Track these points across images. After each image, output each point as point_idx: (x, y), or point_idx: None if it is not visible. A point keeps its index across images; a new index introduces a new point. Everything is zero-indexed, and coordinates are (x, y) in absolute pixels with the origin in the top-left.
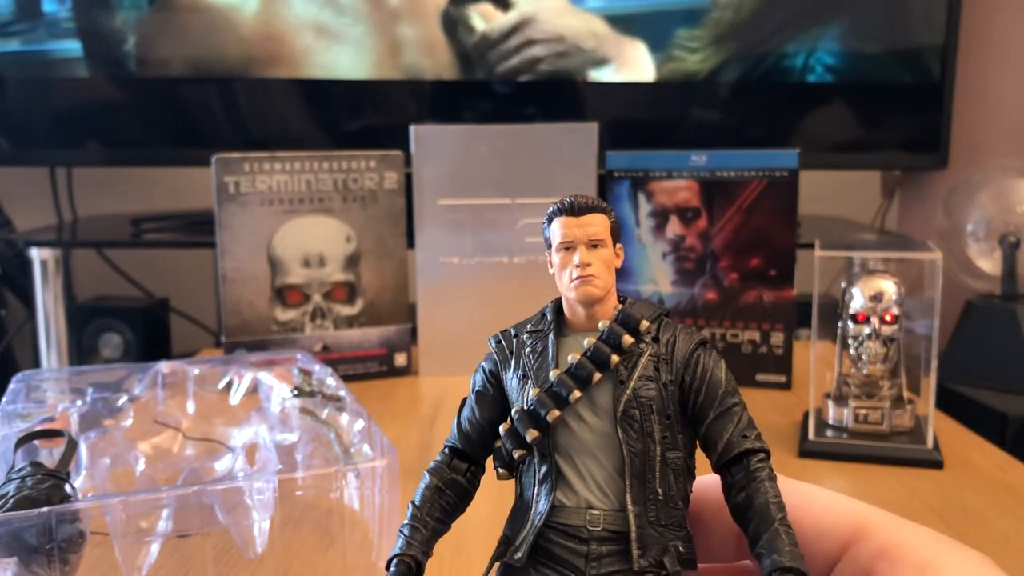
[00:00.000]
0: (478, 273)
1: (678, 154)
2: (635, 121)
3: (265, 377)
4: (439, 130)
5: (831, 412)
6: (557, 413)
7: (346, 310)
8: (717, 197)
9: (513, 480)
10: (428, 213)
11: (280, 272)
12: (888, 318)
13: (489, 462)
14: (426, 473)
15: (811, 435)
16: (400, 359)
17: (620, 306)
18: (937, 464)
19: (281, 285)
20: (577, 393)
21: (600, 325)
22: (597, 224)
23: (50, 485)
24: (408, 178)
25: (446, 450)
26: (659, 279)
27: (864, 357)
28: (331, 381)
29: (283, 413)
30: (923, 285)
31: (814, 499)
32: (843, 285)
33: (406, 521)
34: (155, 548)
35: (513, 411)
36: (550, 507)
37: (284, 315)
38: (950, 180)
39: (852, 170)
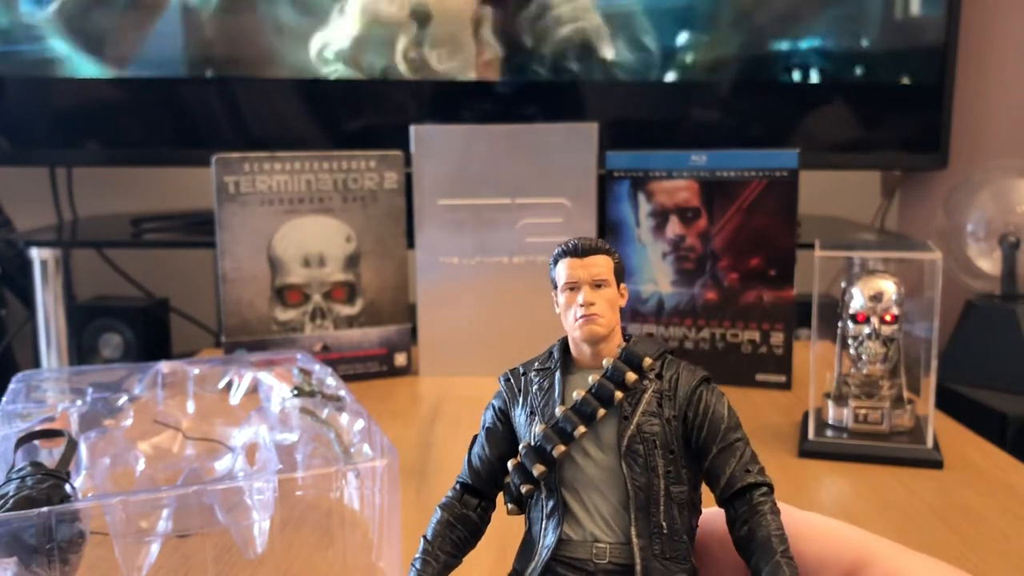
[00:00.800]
0: (478, 273)
1: (678, 154)
2: (635, 121)
3: (265, 377)
4: (439, 130)
5: (831, 412)
6: (563, 448)
7: (346, 310)
8: (717, 197)
9: (522, 516)
10: (428, 213)
11: (280, 272)
12: (888, 318)
13: (500, 498)
14: (437, 508)
15: (811, 435)
16: (400, 359)
17: (624, 344)
18: (937, 464)
19: (281, 285)
20: (582, 428)
21: (604, 363)
22: (600, 265)
23: (50, 485)
24: (408, 178)
25: (457, 486)
26: (659, 279)
27: (864, 357)
28: (331, 381)
29: (283, 413)
30: (923, 285)
31: (816, 528)
32: (843, 285)
33: (418, 555)
34: (155, 548)
35: (520, 447)
36: (557, 540)
37: (284, 315)
38: (950, 180)
39: (852, 170)
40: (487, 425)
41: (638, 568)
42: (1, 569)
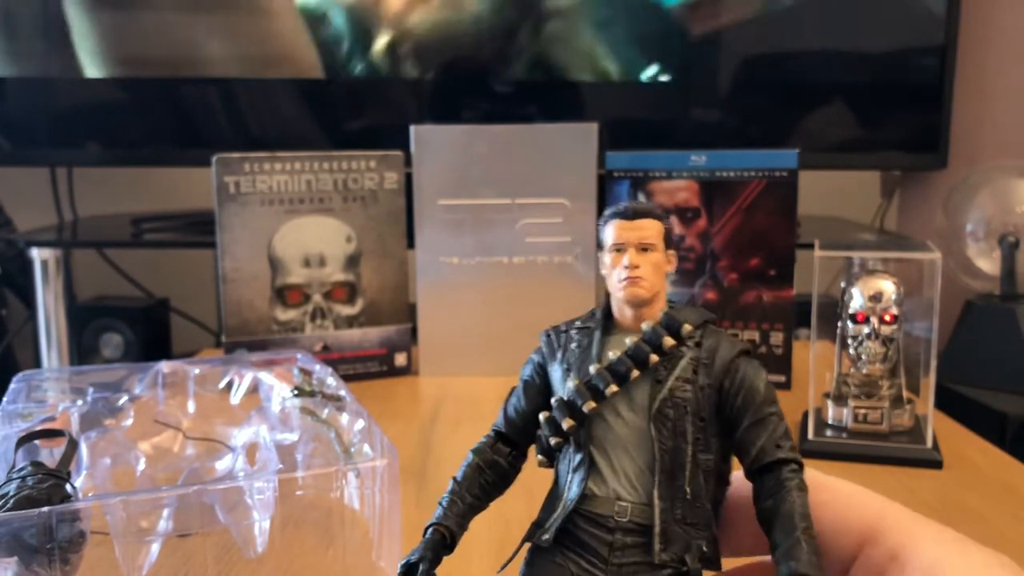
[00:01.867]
0: (478, 273)
1: (678, 154)
2: (635, 121)
3: (265, 377)
4: (439, 130)
5: (830, 412)
6: (593, 405)
7: (346, 310)
8: (717, 197)
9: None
10: (428, 213)
11: (280, 272)
12: (887, 318)
13: (532, 451)
14: (470, 453)
15: (810, 435)
16: (400, 359)
17: (670, 309)
18: (936, 464)
19: (281, 285)
20: (614, 387)
21: (644, 326)
22: (649, 228)
23: (51, 485)
24: (408, 178)
25: (492, 433)
26: None
27: (863, 357)
28: (331, 381)
29: (283, 413)
30: (923, 285)
31: (836, 493)
32: (843, 285)
33: (446, 494)
34: (155, 548)
35: (553, 400)
36: (581, 495)
37: (284, 315)
38: (950, 180)
39: (852, 170)
40: (524, 378)
41: (657, 529)
42: (1, 569)
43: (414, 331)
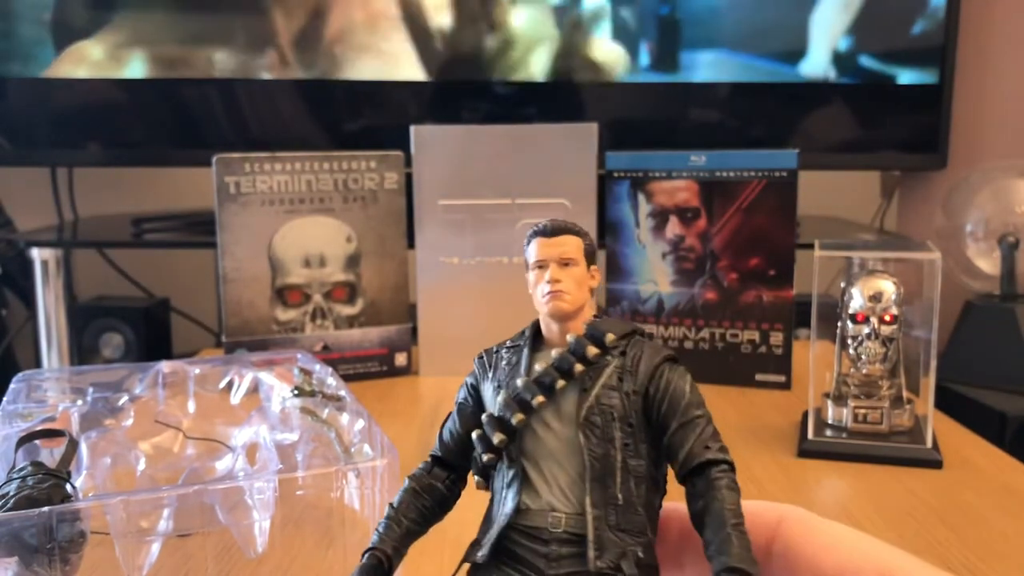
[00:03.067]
0: (478, 273)
1: (678, 154)
2: (635, 121)
3: (265, 377)
4: (439, 130)
5: (830, 412)
6: (522, 417)
7: (346, 310)
8: (717, 197)
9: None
10: (428, 213)
11: (280, 272)
12: (887, 318)
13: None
14: (406, 479)
15: (810, 435)
16: (400, 359)
17: (588, 323)
18: (936, 464)
19: (281, 285)
20: (541, 398)
21: (568, 337)
22: (568, 244)
23: (51, 485)
24: (408, 178)
25: (428, 459)
26: (659, 279)
27: (863, 357)
28: (331, 381)
29: (283, 413)
30: (922, 285)
31: (837, 538)
32: (842, 285)
33: (382, 520)
34: (156, 548)
35: (484, 416)
36: (516, 509)
37: (284, 315)
38: (950, 180)
39: (852, 170)
40: (459, 401)
41: (590, 537)
42: (2, 569)
43: (414, 331)
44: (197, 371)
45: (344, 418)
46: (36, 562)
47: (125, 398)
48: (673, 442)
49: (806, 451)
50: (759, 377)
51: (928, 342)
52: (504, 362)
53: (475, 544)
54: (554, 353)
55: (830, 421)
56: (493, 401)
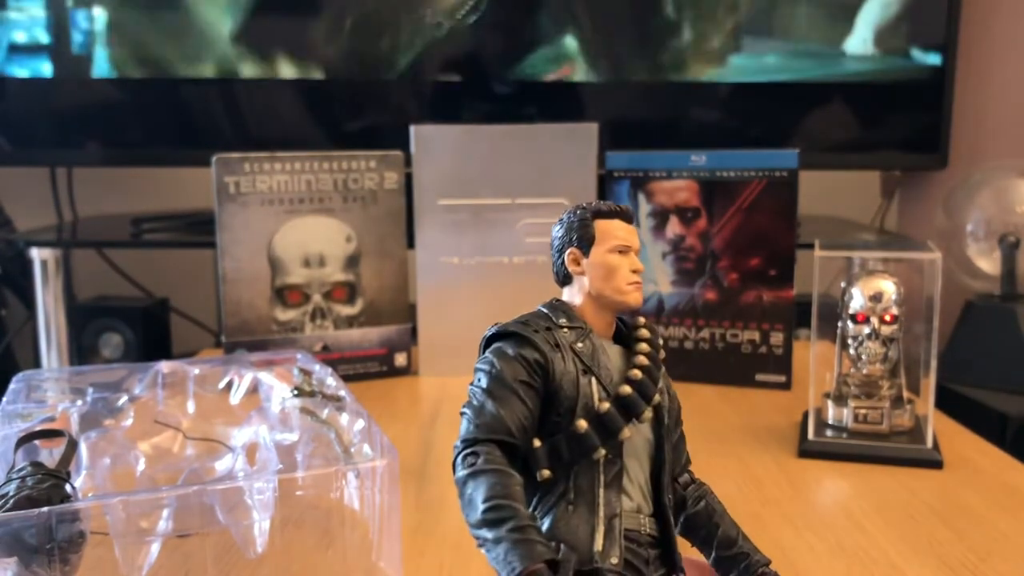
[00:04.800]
0: (478, 273)
1: (678, 154)
2: (635, 121)
3: (265, 377)
4: (439, 130)
5: (831, 412)
6: (649, 413)
7: (346, 310)
8: (717, 197)
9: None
10: (428, 213)
11: (280, 272)
12: (888, 318)
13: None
14: (500, 469)
15: (811, 435)
16: (400, 359)
17: (634, 320)
18: (937, 464)
19: (281, 285)
20: (658, 396)
21: (639, 334)
22: (638, 235)
23: (50, 485)
24: (408, 178)
25: (491, 445)
26: (659, 279)
27: (864, 357)
28: (331, 381)
29: (283, 413)
30: (923, 285)
31: None
32: (843, 285)
33: (516, 523)
34: (155, 548)
35: (602, 407)
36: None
37: (284, 315)
38: (950, 180)
39: (852, 170)
40: (523, 379)
41: (674, 538)
42: (1, 569)
43: (414, 331)
44: (196, 371)
45: (344, 418)
46: (36, 562)
47: (124, 398)
48: (678, 447)
49: (806, 451)
50: (759, 377)
51: (928, 342)
52: (580, 344)
53: (575, 547)
54: (640, 347)
55: (830, 421)
56: (587, 389)
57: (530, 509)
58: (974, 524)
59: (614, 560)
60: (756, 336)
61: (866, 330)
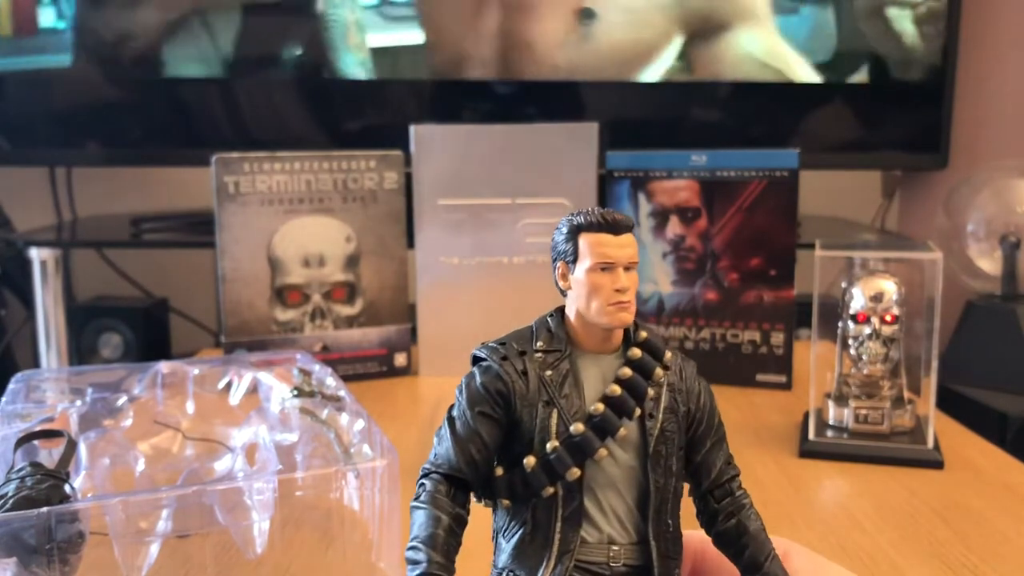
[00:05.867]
0: (478, 273)
1: (678, 154)
2: (635, 121)
3: (265, 377)
4: (439, 130)
5: (831, 412)
6: (605, 452)
7: (346, 310)
8: (717, 197)
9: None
10: (428, 213)
11: (280, 272)
12: (888, 318)
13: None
14: (431, 508)
15: (811, 435)
16: (400, 359)
17: (640, 334)
18: (937, 464)
19: (281, 285)
20: (623, 431)
21: (629, 354)
22: (633, 246)
23: (50, 485)
24: (408, 178)
25: (438, 478)
26: (659, 279)
27: (864, 357)
28: (331, 381)
29: (283, 413)
30: (923, 285)
31: None
32: (843, 285)
33: (423, 570)
34: (155, 548)
35: (549, 446)
36: (577, 545)
37: (284, 315)
38: (950, 180)
39: (852, 170)
40: (481, 409)
41: (657, 570)
42: (1, 569)
43: (414, 331)
44: (196, 371)
45: (344, 418)
46: (35, 563)
47: (124, 398)
48: (707, 460)
49: (807, 451)
50: (760, 377)
51: (929, 342)
52: (549, 372)
53: None
54: (620, 373)
55: (831, 421)
56: (543, 424)
57: (498, 533)
58: (974, 524)
59: None
60: (756, 336)
61: (867, 330)
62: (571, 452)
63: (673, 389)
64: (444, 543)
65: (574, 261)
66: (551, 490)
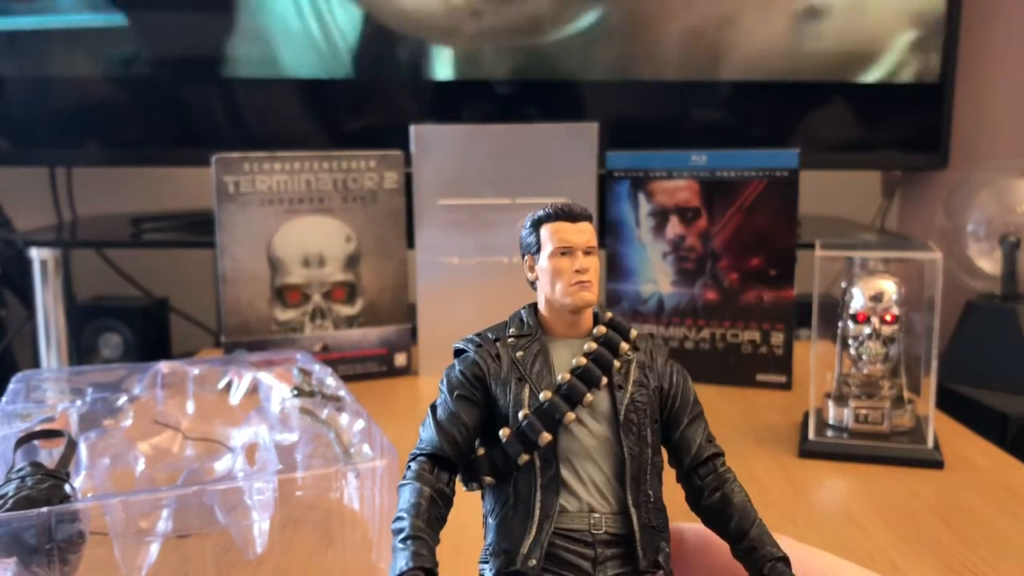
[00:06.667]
0: (478, 273)
1: (678, 154)
2: (635, 121)
3: (265, 377)
4: (439, 130)
5: (831, 412)
6: (572, 416)
7: (346, 310)
8: (717, 197)
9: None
10: (428, 213)
11: (280, 272)
12: (888, 318)
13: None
14: (414, 482)
15: (811, 435)
16: (400, 359)
17: (604, 315)
18: (937, 464)
19: (281, 285)
20: (589, 396)
21: (595, 332)
22: (591, 232)
23: (50, 485)
24: (408, 178)
25: (423, 459)
26: (659, 279)
27: (864, 357)
28: (331, 381)
29: (283, 413)
30: (923, 285)
31: (836, 572)
32: (843, 285)
33: (407, 533)
34: (155, 548)
35: (520, 414)
36: (557, 512)
37: (284, 315)
38: (950, 180)
39: (852, 170)
40: (460, 392)
41: (637, 536)
42: (1, 569)
43: (414, 331)
44: (196, 371)
45: (344, 418)
46: (35, 562)
47: (124, 398)
48: (685, 437)
49: (807, 451)
50: (760, 377)
51: (929, 342)
52: (519, 353)
53: (507, 552)
54: (586, 347)
55: (831, 421)
56: (513, 396)
57: (486, 516)
58: (974, 524)
59: (532, 562)
60: (756, 336)
61: (867, 330)
62: (541, 418)
63: (643, 367)
64: (426, 511)
65: (538, 252)
66: (526, 457)
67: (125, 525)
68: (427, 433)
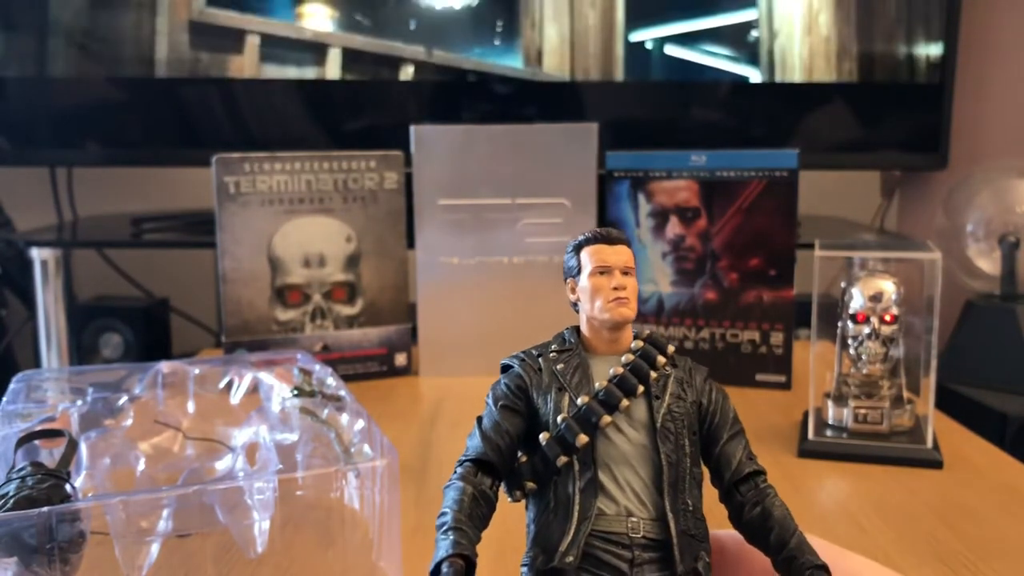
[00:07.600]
0: (478, 273)
1: (678, 154)
2: (635, 121)
3: (265, 377)
4: (439, 130)
5: (831, 412)
6: (608, 419)
7: (346, 310)
8: (717, 197)
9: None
10: (428, 213)
11: (280, 272)
12: (888, 318)
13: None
14: (458, 481)
15: (811, 435)
16: (400, 359)
17: (642, 334)
18: (937, 464)
19: (281, 285)
20: (625, 401)
21: (633, 345)
22: (629, 254)
23: (50, 485)
24: (408, 178)
25: (468, 464)
26: (659, 279)
27: (864, 357)
28: (331, 381)
29: (283, 413)
30: (923, 285)
31: (861, 571)
32: (843, 285)
33: (449, 525)
34: (155, 548)
35: (559, 418)
36: (595, 514)
37: (284, 315)
38: (950, 180)
39: (852, 170)
40: (504, 403)
41: (675, 542)
42: (1, 569)
43: (414, 331)
44: (197, 371)
45: (344, 418)
46: (35, 562)
47: (125, 398)
48: (724, 453)
49: (806, 451)
50: (759, 377)
51: (928, 342)
52: (559, 366)
53: (545, 551)
54: (624, 358)
55: (830, 421)
56: (554, 404)
57: (529, 524)
58: (974, 524)
59: (569, 559)
60: (756, 336)
61: (866, 330)
62: (579, 421)
63: (681, 381)
64: (469, 506)
65: (579, 274)
66: (564, 459)
67: (126, 525)
68: (472, 441)
